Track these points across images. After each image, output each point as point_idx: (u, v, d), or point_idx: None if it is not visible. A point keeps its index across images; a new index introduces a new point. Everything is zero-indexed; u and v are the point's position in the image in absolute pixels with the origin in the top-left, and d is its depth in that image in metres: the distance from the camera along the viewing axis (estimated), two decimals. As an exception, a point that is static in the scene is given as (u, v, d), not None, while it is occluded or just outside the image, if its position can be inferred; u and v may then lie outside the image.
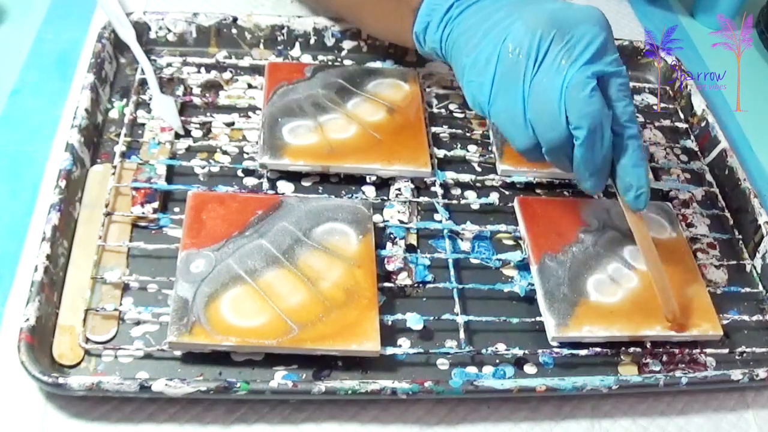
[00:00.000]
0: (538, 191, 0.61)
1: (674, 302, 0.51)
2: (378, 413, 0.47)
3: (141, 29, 0.65)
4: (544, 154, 0.50)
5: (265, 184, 0.57)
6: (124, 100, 0.61)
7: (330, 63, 0.67)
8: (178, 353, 0.47)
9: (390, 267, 0.53)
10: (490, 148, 0.62)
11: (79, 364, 0.46)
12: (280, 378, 0.47)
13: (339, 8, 0.66)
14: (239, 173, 0.58)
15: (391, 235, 0.55)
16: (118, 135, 0.58)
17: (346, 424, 0.47)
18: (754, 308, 0.57)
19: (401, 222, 0.56)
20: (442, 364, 0.50)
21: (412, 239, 0.56)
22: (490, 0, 0.52)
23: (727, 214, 0.62)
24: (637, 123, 0.49)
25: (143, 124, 0.59)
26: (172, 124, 0.59)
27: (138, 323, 0.48)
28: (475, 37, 0.51)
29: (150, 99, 0.60)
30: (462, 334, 0.50)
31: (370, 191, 0.58)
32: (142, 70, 0.62)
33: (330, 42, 0.68)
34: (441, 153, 0.61)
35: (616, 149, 0.49)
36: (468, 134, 0.63)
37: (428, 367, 0.49)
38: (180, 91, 0.62)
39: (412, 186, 0.59)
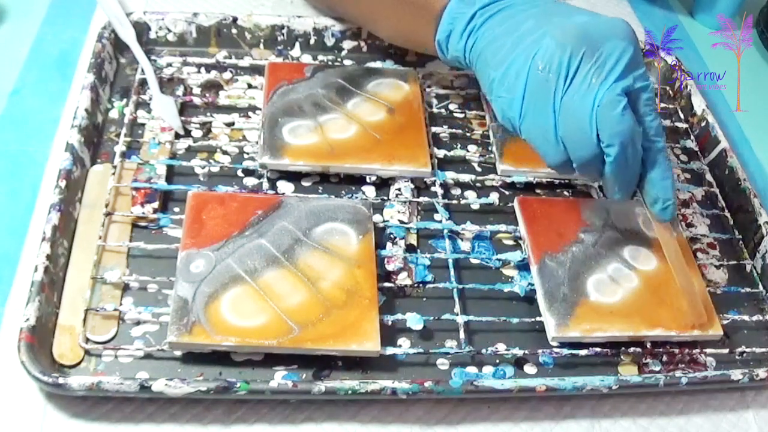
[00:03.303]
0: (538, 191, 0.61)
1: (702, 309, 0.51)
2: (378, 413, 0.47)
3: (141, 29, 0.65)
4: (575, 169, 0.50)
5: (265, 184, 0.57)
6: (124, 100, 0.61)
7: (330, 63, 0.67)
8: (178, 353, 0.47)
9: (390, 267, 0.53)
10: (490, 148, 0.62)
11: (79, 364, 0.46)
12: (280, 378, 0.47)
13: (354, 16, 0.66)
14: (239, 173, 0.58)
15: (391, 235, 0.55)
16: (118, 135, 0.58)
17: (346, 424, 0.47)
18: (754, 308, 0.57)
19: (401, 222, 0.56)
20: (442, 364, 0.50)
21: (412, 239, 0.56)
22: (515, 9, 0.52)
23: (727, 214, 0.62)
24: (663, 136, 0.49)
25: (143, 124, 0.59)
26: (172, 124, 0.59)
27: (138, 323, 0.48)
28: (502, 50, 0.50)
29: (150, 99, 0.60)
30: (462, 334, 0.50)
31: (370, 191, 0.58)
32: (142, 70, 0.62)
33: (330, 42, 0.68)
34: (441, 153, 0.61)
35: (644, 163, 0.50)
36: (468, 134, 0.63)
37: (428, 367, 0.49)
38: (180, 91, 0.62)
39: (412, 186, 0.59)
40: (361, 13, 0.64)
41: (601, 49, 0.48)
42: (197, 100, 0.62)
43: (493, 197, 0.59)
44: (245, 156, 0.59)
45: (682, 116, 0.70)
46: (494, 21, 0.52)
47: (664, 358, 0.52)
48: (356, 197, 0.58)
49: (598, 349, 0.51)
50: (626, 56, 0.48)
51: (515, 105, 0.50)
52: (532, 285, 0.53)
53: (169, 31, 0.65)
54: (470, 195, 0.60)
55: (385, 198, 0.58)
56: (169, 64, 0.64)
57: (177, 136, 0.59)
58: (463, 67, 0.56)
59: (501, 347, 0.50)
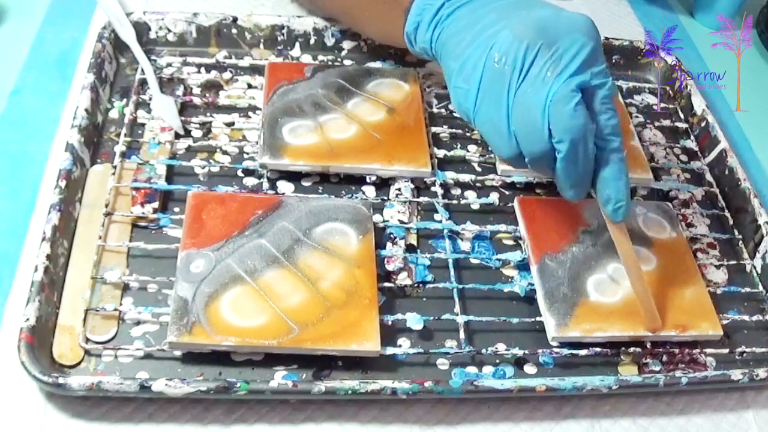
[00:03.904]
0: (538, 191, 0.61)
1: (656, 313, 0.51)
2: (378, 413, 0.47)
3: (141, 29, 0.65)
4: (527, 163, 0.50)
5: (265, 184, 0.57)
6: (124, 100, 0.61)
7: (330, 63, 0.67)
8: (178, 353, 0.47)
9: (390, 267, 0.53)
10: (489, 148, 0.62)
11: (79, 364, 0.46)
12: (280, 378, 0.47)
13: (334, 11, 0.66)
14: (239, 173, 0.58)
15: (391, 235, 0.55)
16: (118, 135, 0.58)
17: (346, 424, 0.47)
18: (754, 308, 0.57)
19: (401, 222, 0.56)
20: (442, 364, 0.50)
21: (412, 239, 0.56)
22: (480, 2, 0.52)
23: (727, 214, 0.62)
24: (620, 135, 0.49)
25: (143, 124, 0.59)
26: (172, 124, 0.59)
27: (138, 323, 0.48)
28: (463, 42, 0.51)
29: (150, 99, 0.60)
30: (462, 334, 0.50)
31: (370, 191, 0.58)
32: (142, 70, 0.62)
33: (330, 42, 0.68)
34: (441, 153, 0.61)
35: (597, 162, 0.49)
36: (468, 134, 0.63)
37: (428, 367, 0.49)
38: (180, 91, 0.62)
39: (412, 186, 0.59)
40: (339, 7, 0.65)
41: (558, 44, 0.47)
42: (197, 100, 0.62)
43: (493, 197, 0.59)
44: (245, 156, 0.59)
45: (682, 116, 0.70)
46: (460, 13, 0.52)
47: (664, 358, 0.52)
48: (356, 197, 0.58)
49: (598, 349, 0.51)
50: (584, 52, 0.47)
51: (470, 96, 0.50)
52: (532, 285, 0.53)
53: (169, 31, 0.65)
54: (470, 195, 0.60)
55: (385, 198, 0.58)
56: (169, 64, 0.64)
57: (177, 136, 0.59)
58: (430, 58, 0.56)
59: (501, 347, 0.50)
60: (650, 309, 0.51)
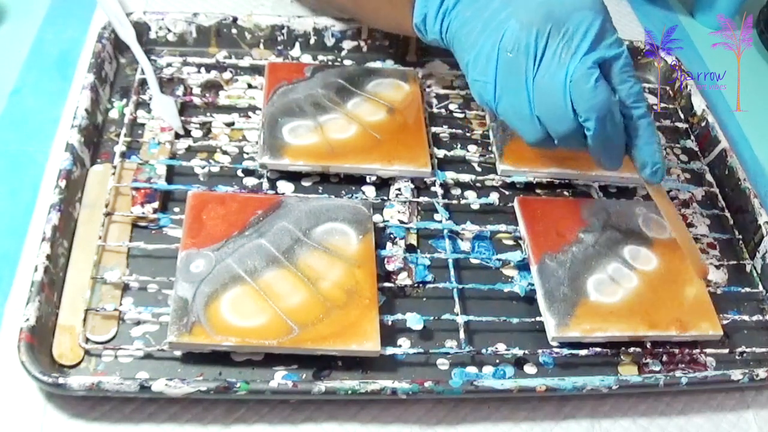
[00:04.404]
0: (538, 191, 0.61)
1: (701, 260, 0.53)
2: (378, 413, 0.47)
3: (141, 29, 0.65)
4: (557, 144, 0.50)
5: (265, 184, 0.57)
6: (124, 100, 0.61)
7: (330, 63, 0.67)
8: (178, 353, 0.47)
9: (390, 267, 0.53)
10: (490, 148, 0.62)
11: (79, 364, 0.46)
12: (280, 378, 0.47)
13: (340, 4, 0.66)
14: (239, 173, 0.58)
15: (391, 235, 0.55)
16: (118, 135, 0.58)
17: (346, 424, 0.47)
18: (754, 308, 0.57)
19: (401, 222, 0.56)
20: (442, 364, 0.50)
21: (412, 239, 0.56)
22: None
23: (727, 214, 0.62)
24: (644, 101, 0.49)
25: (143, 124, 0.59)
26: (172, 124, 0.59)
27: (138, 323, 0.48)
28: (473, 33, 0.51)
29: (150, 99, 0.60)
30: (462, 334, 0.50)
31: (370, 191, 0.58)
32: (142, 70, 0.62)
33: (330, 42, 0.68)
34: (441, 153, 0.61)
35: (627, 130, 0.49)
36: (468, 134, 0.63)
37: (428, 367, 0.49)
38: (180, 91, 0.62)
39: (412, 186, 0.59)
40: (346, 1, 0.65)
41: (567, 24, 0.47)
42: (197, 100, 0.62)
43: (493, 197, 0.59)
44: (245, 156, 0.59)
45: (682, 116, 0.70)
46: (465, 2, 0.52)
47: (664, 358, 0.52)
48: (356, 197, 0.58)
49: (598, 349, 0.51)
50: (594, 27, 0.47)
51: (489, 88, 0.50)
52: (532, 285, 0.53)
53: (169, 31, 0.65)
54: (470, 195, 0.60)
55: (385, 198, 0.58)
56: (169, 64, 0.64)
57: (177, 136, 0.59)
58: (445, 47, 0.56)
59: (501, 347, 0.50)
60: (696, 257, 0.53)
